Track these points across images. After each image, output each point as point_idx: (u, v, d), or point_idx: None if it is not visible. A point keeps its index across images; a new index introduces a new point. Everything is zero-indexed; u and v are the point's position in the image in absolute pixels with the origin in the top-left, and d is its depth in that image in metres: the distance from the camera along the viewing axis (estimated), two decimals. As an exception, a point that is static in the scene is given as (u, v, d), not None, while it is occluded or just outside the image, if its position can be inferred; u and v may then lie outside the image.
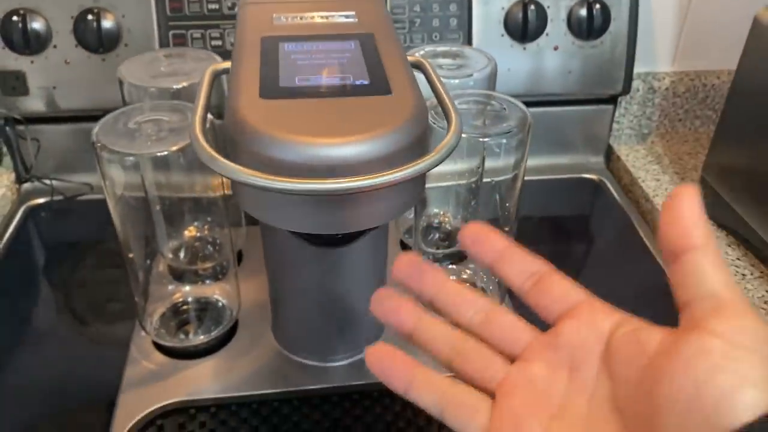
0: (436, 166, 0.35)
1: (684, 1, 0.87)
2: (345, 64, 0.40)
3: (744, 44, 0.71)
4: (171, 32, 0.77)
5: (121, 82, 0.56)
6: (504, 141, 0.52)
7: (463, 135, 0.51)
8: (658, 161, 0.89)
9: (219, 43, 0.77)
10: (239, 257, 0.68)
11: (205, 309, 0.61)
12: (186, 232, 0.64)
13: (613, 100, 0.88)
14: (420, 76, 0.43)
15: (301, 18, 0.46)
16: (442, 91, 0.40)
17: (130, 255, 0.55)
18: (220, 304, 0.60)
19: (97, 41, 0.75)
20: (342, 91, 0.38)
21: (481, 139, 0.51)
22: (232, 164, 0.33)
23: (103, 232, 0.69)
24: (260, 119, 0.35)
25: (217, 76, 0.43)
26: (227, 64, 0.43)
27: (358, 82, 0.38)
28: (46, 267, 0.74)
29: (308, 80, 0.39)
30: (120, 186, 0.51)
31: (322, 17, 0.47)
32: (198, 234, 0.64)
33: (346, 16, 0.47)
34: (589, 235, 0.81)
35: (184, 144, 0.48)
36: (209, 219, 0.63)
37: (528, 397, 0.29)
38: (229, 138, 0.36)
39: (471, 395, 0.30)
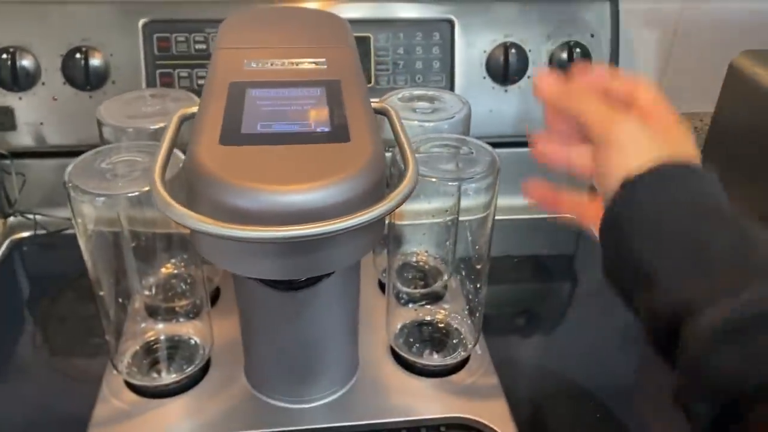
0: (390, 213, 0.35)
1: (665, 46, 0.88)
2: (308, 111, 0.41)
3: (720, 89, 0.72)
4: (158, 71, 0.78)
5: (99, 123, 0.57)
6: (474, 185, 0.52)
7: (433, 179, 0.52)
8: (641, 202, 0.89)
9: (205, 82, 0.79)
10: (217, 294, 0.69)
11: (178, 347, 0.61)
12: (162, 269, 0.64)
13: (595, 141, 0.89)
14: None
15: (272, 64, 0.47)
16: (403, 138, 0.41)
17: (101, 293, 0.55)
18: (192, 342, 0.60)
19: (84, 79, 0.76)
20: (302, 138, 0.38)
21: (451, 183, 0.52)
22: (187, 212, 0.34)
23: (85, 268, 0.70)
24: (218, 166, 0.36)
25: (185, 120, 0.44)
26: (194, 109, 0.44)
27: (318, 129, 0.39)
28: (29, 300, 0.74)
29: (270, 126, 0.39)
30: (92, 224, 0.52)
31: (293, 63, 0.48)
32: (174, 271, 0.64)
33: (317, 63, 0.48)
34: (572, 276, 0.82)
35: (156, 185, 0.49)
36: (185, 256, 0.63)
37: None
38: (187, 184, 0.37)
39: None
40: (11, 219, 0.82)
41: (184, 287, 0.63)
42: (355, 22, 0.61)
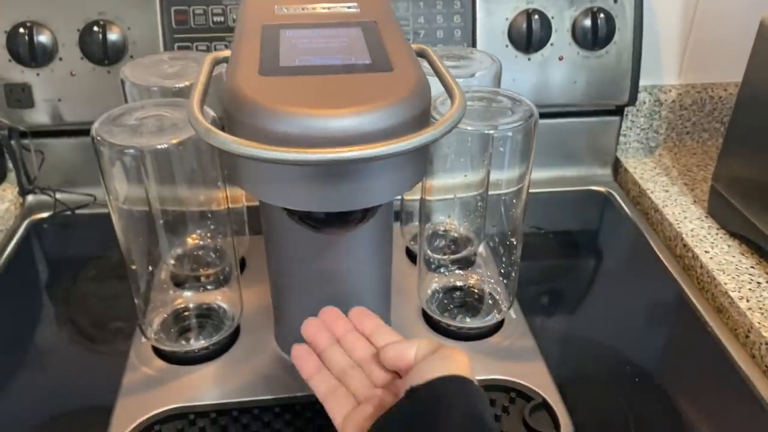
0: (439, 138, 0.34)
1: (689, 13, 0.87)
2: (347, 47, 0.40)
3: (751, 49, 0.71)
4: (176, 44, 0.77)
5: (123, 82, 0.56)
6: (510, 134, 0.51)
7: (470, 128, 0.50)
8: (666, 173, 0.88)
9: (224, 54, 0.77)
10: (242, 265, 0.67)
11: (207, 315, 0.59)
12: (189, 240, 0.63)
13: (619, 111, 0.88)
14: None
15: (303, 9, 0.46)
16: (445, 72, 0.40)
17: (133, 266, 0.53)
18: (221, 309, 0.59)
19: (102, 53, 0.75)
20: (343, 69, 0.37)
21: (487, 132, 0.50)
22: (228, 136, 0.32)
23: (106, 245, 0.69)
24: (259, 93, 0.34)
25: (217, 63, 0.43)
26: (228, 53, 0.43)
27: (359, 62, 0.38)
28: (49, 280, 0.73)
29: (309, 60, 0.38)
30: (123, 189, 0.50)
31: (324, 8, 0.46)
32: (201, 242, 0.63)
33: (348, 7, 0.46)
34: (599, 247, 0.80)
35: (186, 137, 0.47)
36: (212, 227, 0.62)
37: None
38: (227, 115, 0.36)
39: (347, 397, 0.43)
40: (30, 198, 0.81)
41: (213, 256, 0.61)
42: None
